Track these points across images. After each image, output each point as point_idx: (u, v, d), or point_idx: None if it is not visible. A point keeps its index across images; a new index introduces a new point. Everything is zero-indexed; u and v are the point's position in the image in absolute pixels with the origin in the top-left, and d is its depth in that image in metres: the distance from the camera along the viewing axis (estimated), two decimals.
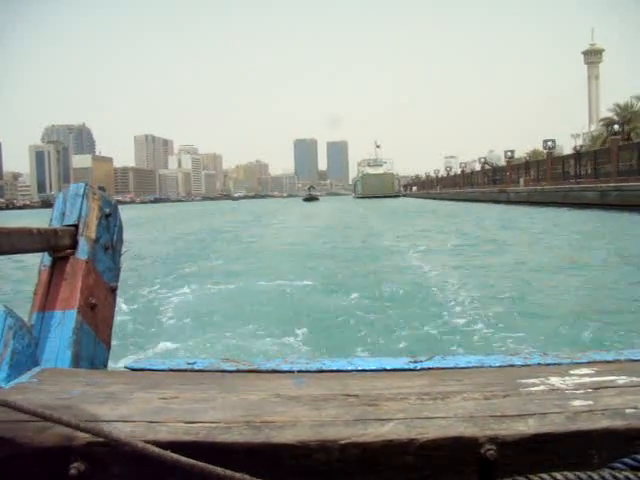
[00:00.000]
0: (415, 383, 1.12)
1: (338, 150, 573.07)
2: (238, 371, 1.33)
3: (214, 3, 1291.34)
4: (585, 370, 1.16)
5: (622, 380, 1.08)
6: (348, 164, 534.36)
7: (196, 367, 1.37)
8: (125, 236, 1.95)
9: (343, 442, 0.90)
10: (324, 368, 1.35)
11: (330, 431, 0.92)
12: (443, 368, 1.30)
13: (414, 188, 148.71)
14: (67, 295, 1.60)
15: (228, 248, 18.25)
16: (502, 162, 79.98)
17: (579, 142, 72.99)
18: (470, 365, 1.33)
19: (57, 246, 1.65)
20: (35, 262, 1.74)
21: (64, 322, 1.56)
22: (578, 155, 48.59)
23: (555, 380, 1.10)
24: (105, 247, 1.79)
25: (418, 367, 1.32)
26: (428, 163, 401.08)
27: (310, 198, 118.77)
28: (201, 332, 6.64)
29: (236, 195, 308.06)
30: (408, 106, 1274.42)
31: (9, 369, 1.17)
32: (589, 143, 69.42)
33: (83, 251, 1.69)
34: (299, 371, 1.32)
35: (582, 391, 1.04)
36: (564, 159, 52.05)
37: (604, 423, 0.91)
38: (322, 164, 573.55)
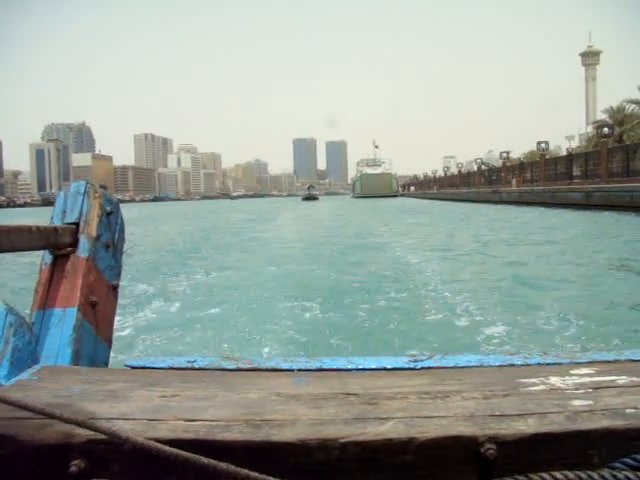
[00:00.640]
0: (415, 382, 1.13)
1: (337, 150, 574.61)
2: (238, 369, 1.34)
3: (214, 2, 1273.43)
4: (585, 370, 1.16)
5: (622, 380, 1.08)
6: (347, 163, 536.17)
7: (196, 365, 1.38)
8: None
9: (343, 441, 0.90)
10: (324, 367, 1.37)
11: (330, 430, 0.92)
12: (443, 367, 1.32)
13: (412, 188, 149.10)
14: (68, 293, 1.61)
15: (227, 249, 17.98)
16: (500, 163, 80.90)
17: (576, 143, 74.10)
18: (470, 364, 1.34)
19: (58, 244, 1.65)
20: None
21: (64, 320, 1.56)
22: (570, 157, 49.55)
23: (555, 380, 1.10)
24: (106, 245, 1.79)
25: (418, 366, 1.33)
26: (428, 163, 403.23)
27: (309, 197, 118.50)
28: (201, 330, 6.63)
29: (234, 194, 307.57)
30: (408, 106, 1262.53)
31: (9, 366, 1.18)
32: (585, 144, 70.29)
33: (84, 249, 1.69)
34: (299, 370, 1.33)
35: (582, 391, 1.04)
36: (557, 160, 52.91)
37: (604, 423, 0.91)
38: (321, 163, 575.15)
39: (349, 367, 1.35)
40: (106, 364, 1.72)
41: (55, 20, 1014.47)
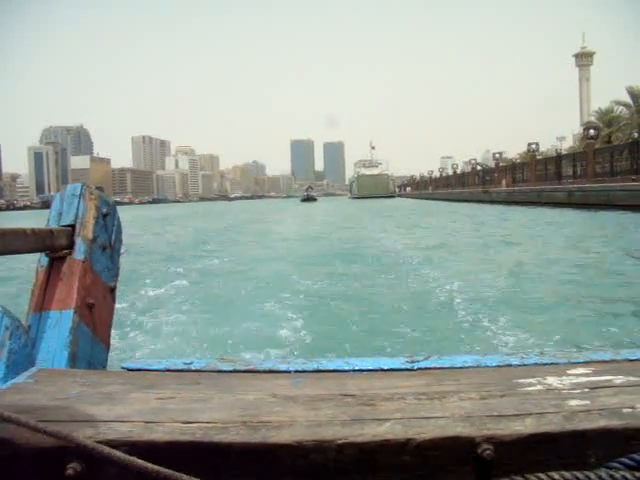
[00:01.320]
0: (412, 383, 1.12)
1: (335, 151, 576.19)
2: (235, 371, 1.34)
3: (211, 3, 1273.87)
4: (582, 370, 1.15)
5: (619, 380, 1.08)
6: (345, 164, 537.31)
7: (193, 367, 1.37)
8: None
9: (340, 442, 0.89)
10: (321, 368, 1.36)
11: (327, 431, 0.91)
12: (440, 368, 1.31)
13: (408, 189, 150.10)
14: (64, 295, 1.59)
15: (226, 249, 18.73)
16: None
17: (570, 143, 75.40)
18: (467, 365, 1.34)
19: (54, 246, 1.64)
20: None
21: (61, 322, 1.55)
22: (559, 157, 51.13)
23: (552, 380, 1.10)
24: (103, 247, 1.78)
25: (415, 367, 1.33)
26: (426, 163, 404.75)
27: (308, 199, 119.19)
28: (198, 332, 6.66)
29: (232, 196, 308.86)
30: (406, 106, 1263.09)
31: (5, 369, 1.17)
32: (578, 145, 71.51)
33: (80, 251, 1.68)
34: (296, 371, 1.33)
35: (579, 391, 1.04)
36: (546, 161, 54.33)
37: (601, 423, 0.91)
38: (319, 165, 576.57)
39: (346, 368, 1.36)
40: (104, 366, 1.72)
41: (52, 21, 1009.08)
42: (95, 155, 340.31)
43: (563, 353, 1.41)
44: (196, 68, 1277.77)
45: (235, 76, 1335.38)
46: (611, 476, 0.78)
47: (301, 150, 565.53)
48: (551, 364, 1.29)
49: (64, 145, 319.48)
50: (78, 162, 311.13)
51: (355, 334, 6.36)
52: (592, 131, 45.58)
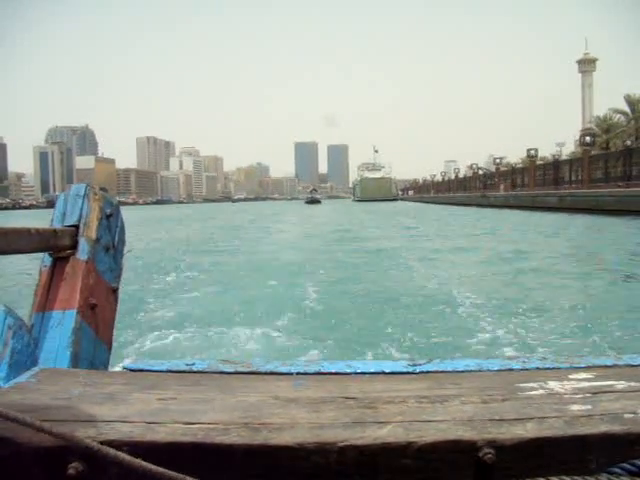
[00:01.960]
0: (414, 386, 1.12)
1: (339, 153, 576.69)
2: (237, 373, 1.34)
3: (216, 4, 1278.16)
4: (584, 375, 1.15)
5: (621, 385, 1.07)
6: (348, 167, 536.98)
7: (195, 368, 1.37)
8: None
9: (341, 444, 0.89)
10: (323, 370, 1.36)
11: (328, 433, 0.91)
12: (442, 371, 1.30)
13: (410, 192, 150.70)
14: (67, 295, 1.59)
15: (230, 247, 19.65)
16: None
17: (572, 149, 76.22)
18: (469, 369, 1.33)
19: (57, 246, 1.63)
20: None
21: (63, 322, 1.55)
22: (557, 163, 52.79)
23: (554, 384, 1.09)
24: (106, 247, 1.78)
25: (417, 370, 1.32)
26: (430, 167, 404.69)
27: (313, 201, 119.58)
28: (200, 333, 6.65)
29: (235, 197, 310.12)
30: (411, 109, 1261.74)
31: (8, 369, 1.17)
32: (578, 150, 72.16)
33: (83, 251, 1.67)
34: (298, 373, 1.33)
35: (581, 396, 1.03)
36: (545, 167, 55.83)
37: (602, 428, 0.90)
38: (322, 167, 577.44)
39: (348, 371, 1.35)
40: (106, 367, 1.72)
41: (57, 21, 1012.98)
42: (100, 155, 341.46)
43: (565, 358, 1.40)
44: (201, 70, 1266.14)
45: (240, 77, 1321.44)
46: None
47: (305, 152, 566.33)
48: (553, 368, 1.30)
49: (69, 145, 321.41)
50: (83, 162, 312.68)
51: (357, 336, 6.43)
52: (588, 138, 47.16)
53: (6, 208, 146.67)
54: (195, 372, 1.36)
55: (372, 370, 1.35)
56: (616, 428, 0.91)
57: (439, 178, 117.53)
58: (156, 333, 6.71)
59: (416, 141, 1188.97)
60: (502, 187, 61.25)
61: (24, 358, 1.25)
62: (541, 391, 1.07)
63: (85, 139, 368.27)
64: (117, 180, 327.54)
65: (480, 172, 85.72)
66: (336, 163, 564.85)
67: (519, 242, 17.82)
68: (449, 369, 1.33)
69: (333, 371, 1.36)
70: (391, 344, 5.95)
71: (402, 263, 13.34)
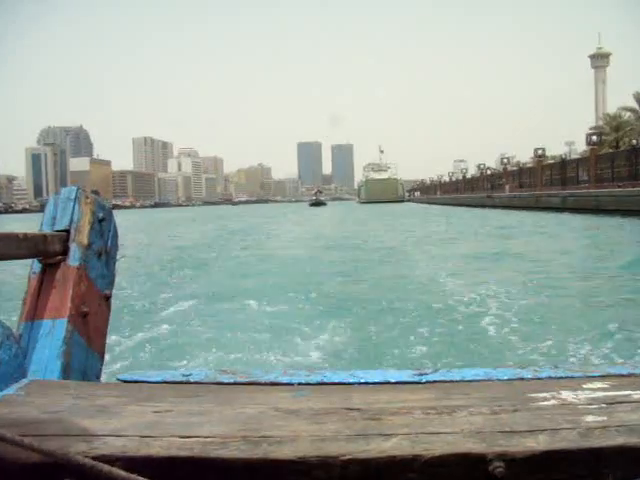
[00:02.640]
0: (420, 397, 1.08)
1: (343, 153, 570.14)
2: (235, 383, 1.29)
3: (214, 4, 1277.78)
4: (599, 384, 1.11)
5: (638, 395, 1.04)
6: (354, 167, 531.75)
7: (192, 379, 1.33)
8: None
9: (344, 458, 0.86)
10: (325, 380, 1.32)
11: (331, 447, 0.88)
12: (449, 381, 1.26)
13: (417, 193, 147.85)
14: (57, 303, 1.53)
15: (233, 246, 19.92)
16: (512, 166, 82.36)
17: (583, 147, 73.21)
18: (477, 378, 1.28)
19: (47, 252, 1.58)
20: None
21: (54, 331, 1.49)
22: (564, 163, 52.56)
23: (567, 394, 1.06)
24: (98, 253, 1.71)
25: (423, 380, 1.27)
26: (439, 166, 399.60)
27: (317, 203, 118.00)
28: (197, 342, 6.37)
29: (237, 200, 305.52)
30: (420, 107, 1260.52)
31: None
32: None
33: (74, 257, 1.62)
34: (299, 384, 1.29)
35: (595, 406, 1.00)
36: (552, 166, 55.56)
37: (619, 440, 0.87)
38: (326, 168, 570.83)
39: (351, 381, 1.31)
40: (98, 377, 1.66)
41: (51, 20, 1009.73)
42: (95, 157, 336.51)
43: (578, 366, 1.36)
44: (200, 68, 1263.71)
45: (240, 76, 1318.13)
46: None
47: (308, 153, 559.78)
48: (566, 378, 1.24)
49: (63, 146, 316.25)
50: (77, 164, 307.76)
51: (361, 345, 6.22)
52: (595, 137, 47.13)
53: None
54: (192, 383, 1.33)
55: (376, 380, 1.32)
56: (633, 440, 0.87)
57: (446, 179, 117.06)
58: (150, 342, 6.48)
59: (424, 141, 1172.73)
60: (507, 188, 61.51)
61: (12, 369, 1.22)
62: (553, 401, 1.04)
63: (79, 140, 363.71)
64: (113, 182, 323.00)
65: (488, 172, 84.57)
66: (341, 164, 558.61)
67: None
68: (457, 379, 1.30)
69: (336, 381, 1.34)
70: (397, 353, 5.79)
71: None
